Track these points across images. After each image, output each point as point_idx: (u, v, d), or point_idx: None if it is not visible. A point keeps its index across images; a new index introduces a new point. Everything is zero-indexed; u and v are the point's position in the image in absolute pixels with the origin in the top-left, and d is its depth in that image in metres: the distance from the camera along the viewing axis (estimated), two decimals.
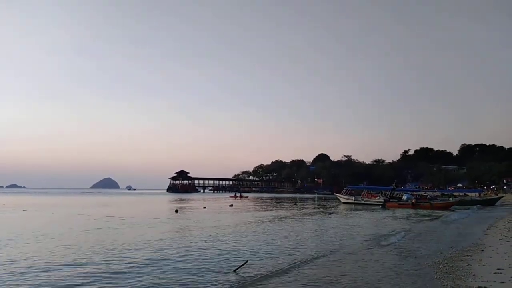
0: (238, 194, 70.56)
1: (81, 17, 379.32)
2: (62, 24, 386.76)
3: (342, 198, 48.88)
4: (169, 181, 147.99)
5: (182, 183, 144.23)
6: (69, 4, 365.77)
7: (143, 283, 7.34)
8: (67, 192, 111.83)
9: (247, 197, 71.05)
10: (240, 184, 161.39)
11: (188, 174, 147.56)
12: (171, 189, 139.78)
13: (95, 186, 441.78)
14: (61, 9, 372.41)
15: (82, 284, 7.16)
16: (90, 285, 7.14)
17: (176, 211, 28.92)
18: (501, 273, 7.43)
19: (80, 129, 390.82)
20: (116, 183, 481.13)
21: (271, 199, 66.25)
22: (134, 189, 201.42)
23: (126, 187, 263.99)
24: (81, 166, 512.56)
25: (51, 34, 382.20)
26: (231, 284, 7.31)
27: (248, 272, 8.26)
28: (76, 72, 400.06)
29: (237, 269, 8.48)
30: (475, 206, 39.85)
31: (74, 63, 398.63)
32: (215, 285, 7.28)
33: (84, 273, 8.05)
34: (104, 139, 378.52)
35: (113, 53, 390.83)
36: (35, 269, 8.36)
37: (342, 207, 41.13)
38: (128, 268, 8.60)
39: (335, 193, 59.50)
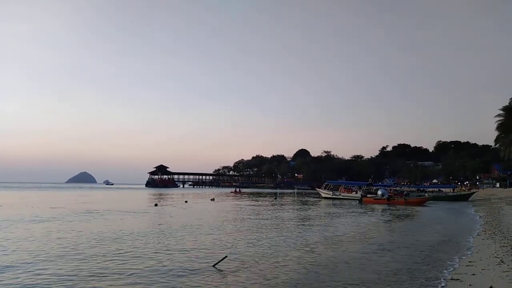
0: (237, 190, 74.66)
1: (73, 6, 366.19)
2: (51, 11, 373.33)
3: (323, 193, 50.72)
4: (147, 175, 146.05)
5: (161, 178, 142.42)
6: None
7: (121, 281, 7.22)
8: (38, 187, 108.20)
9: (245, 192, 75.52)
10: (220, 179, 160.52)
11: (167, 169, 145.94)
12: (150, 184, 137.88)
13: (70, 180, 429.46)
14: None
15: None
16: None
17: (156, 205, 29.54)
18: (472, 265, 7.75)
19: (54, 122, 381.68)
20: (93, 178, 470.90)
21: (254, 194, 68.79)
22: (112, 184, 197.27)
23: (104, 182, 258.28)
24: (56, 160, 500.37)
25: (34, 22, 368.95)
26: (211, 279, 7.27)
27: (228, 267, 8.23)
28: (53, 64, 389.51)
29: (216, 264, 8.42)
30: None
31: (52, 55, 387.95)
32: (195, 279, 7.22)
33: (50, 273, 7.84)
34: (79, 133, 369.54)
35: (90, 45, 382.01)
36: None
37: (323, 202, 41.65)
38: (105, 266, 8.43)
39: (316, 188, 60.80)
